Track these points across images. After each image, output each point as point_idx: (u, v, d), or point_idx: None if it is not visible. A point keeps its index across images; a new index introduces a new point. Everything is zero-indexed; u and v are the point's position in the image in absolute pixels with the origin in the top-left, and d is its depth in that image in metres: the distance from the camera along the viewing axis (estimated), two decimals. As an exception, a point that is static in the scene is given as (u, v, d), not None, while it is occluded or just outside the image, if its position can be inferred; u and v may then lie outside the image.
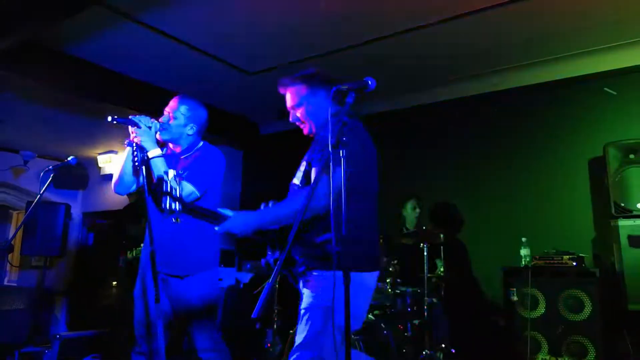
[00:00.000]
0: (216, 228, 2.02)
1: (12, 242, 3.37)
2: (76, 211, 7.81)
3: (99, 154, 7.41)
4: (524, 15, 3.70)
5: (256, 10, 3.71)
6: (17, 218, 7.88)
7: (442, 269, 4.14)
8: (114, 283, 7.08)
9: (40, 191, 3.37)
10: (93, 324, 7.22)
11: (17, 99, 5.25)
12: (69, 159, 3.52)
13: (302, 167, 2.24)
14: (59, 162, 5.64)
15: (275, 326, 4.33)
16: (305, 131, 2.35)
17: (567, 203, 4.32)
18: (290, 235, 1.68)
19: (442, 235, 4.05)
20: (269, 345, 4.19)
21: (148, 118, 2.59)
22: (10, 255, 7.75)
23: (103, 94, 4.93)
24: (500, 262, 3.97)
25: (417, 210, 4.60)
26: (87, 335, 5.99)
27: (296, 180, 2.26)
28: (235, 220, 2.05)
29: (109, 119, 2.45)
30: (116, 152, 7.38)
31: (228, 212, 2.06)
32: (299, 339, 2.01)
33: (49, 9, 3.23)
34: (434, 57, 4.43)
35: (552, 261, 3.70)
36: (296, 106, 2.31)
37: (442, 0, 3.53)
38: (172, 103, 2.84)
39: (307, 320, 2.03)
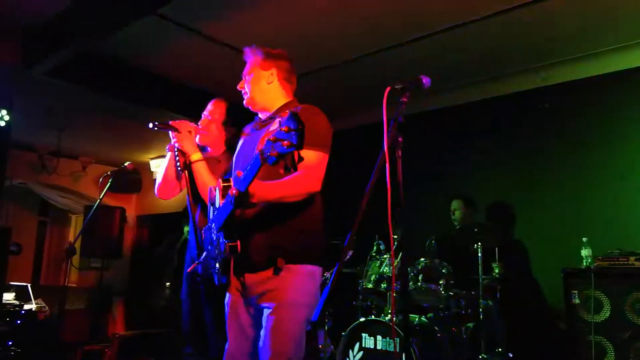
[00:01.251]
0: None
1: (75, 246, 3.47)
2: (131, 214, 8.08)
3: (151, 158, 7.65)
4: (579, 5, 3.55)
5: (308, 14, 3.73)
6: (75, 221, 8.24)
7: (497, 270, 4.01)
8: (168, 284, 7.27)
9: (100, 196, 3.49)
10: (148, 324, 7.47)
11: (75, 108, 5.48)
12: (126, 164, 3.64)
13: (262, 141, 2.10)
14: (115, 167, 5.87)
15: (326, 327, 4.32)
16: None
17: (631, 201, 4.09)
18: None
19: (496, 236, 3.93)
20: (320, 346, 4.18)
21: (188, 122, 2.61)
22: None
23: (158, 102, 5.09)
24: (559, 263, 3.80)
25: (467, 210, 4.49)
26: (143, 335, 6.20)
27: None
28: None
29: (150, 125, 2.50)
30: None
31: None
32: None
33: (103, 20, 3.34)
34: (484, 52, 4.30)
35: (617, 262, 3.50)
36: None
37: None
38: (211, 106, 2.85)
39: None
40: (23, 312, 5.76)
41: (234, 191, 1.82)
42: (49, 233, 8.20)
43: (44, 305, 6.19)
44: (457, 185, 4.78)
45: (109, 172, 3.57)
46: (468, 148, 5.05)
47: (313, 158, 1.99)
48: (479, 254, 3.80)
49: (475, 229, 3.99)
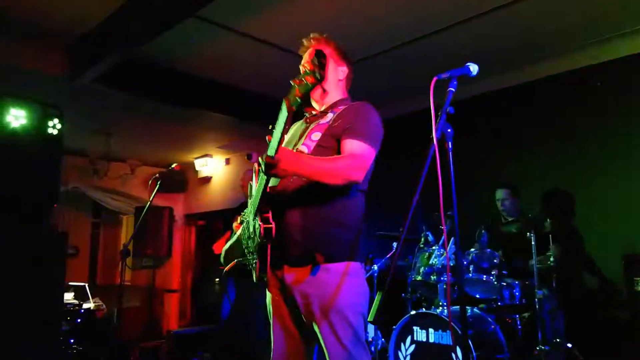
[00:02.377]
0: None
1: (128, 247, 3.58)
2: (179, 213, 8.28)
3: (196, 158, 7.81)
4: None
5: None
6: (126, 222, 8.50)
7: (552, 259, 3.86)
8: (217, 280, 7.41)
9: (149, 198, 3.58)
10: (201, 319, 7.66)
11: (121, 113, 5.64)
12: (172, 165, 3.75)
13: (315, 135, 2.07)
14: (162, 168, 5.96)
15: (376, 321, 4.28)
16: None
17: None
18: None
19: (549, 222, 3.78)
20: (370, 340, 4.16)
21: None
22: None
23: (200, 103, 5.17)
24: (620, 249, 3.63)
25: (515, 198, 4.33)
26: (196, 332, 6.35)
27: (304, 149, 2.03)
28: (286, 152, 1.82)
29: (246, 157, 2.62)
30: (211, 156, 7.72)
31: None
32: None
33: (144, 25, 3.40)
34: (533, 33, 4.12)
35: (683, 247, 3.32)
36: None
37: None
38: None
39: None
40: (82, 311, 5.98)
41: (263, 156, 1.80)
42: (102, 234, 8.50)
43: (101, 303, 6.42)
44: (504, 174, 4.62)
45: (157, 175, 3.65)
46: (513, 133, 4.88)
47: (359, 147, 1.95)
48: (532, 242, 3.66)
49: (529, 216, 3.86)
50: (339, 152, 1.99)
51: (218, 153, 7.62)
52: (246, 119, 5.56)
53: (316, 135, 2.06)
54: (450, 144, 1.70)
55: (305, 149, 2.03)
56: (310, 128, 2.14)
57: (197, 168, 7.87)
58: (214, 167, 7.81)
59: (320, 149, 2.01)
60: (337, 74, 2.23)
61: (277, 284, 2.04)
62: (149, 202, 3.61)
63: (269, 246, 1.92)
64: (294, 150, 2.02)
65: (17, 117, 3.84)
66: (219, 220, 7.52)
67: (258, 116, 5.56)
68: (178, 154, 7.61)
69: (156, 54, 4.45)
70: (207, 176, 7.89)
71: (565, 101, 4.59)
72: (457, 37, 4.09)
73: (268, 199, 1.92)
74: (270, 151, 1.78)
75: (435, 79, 1.75)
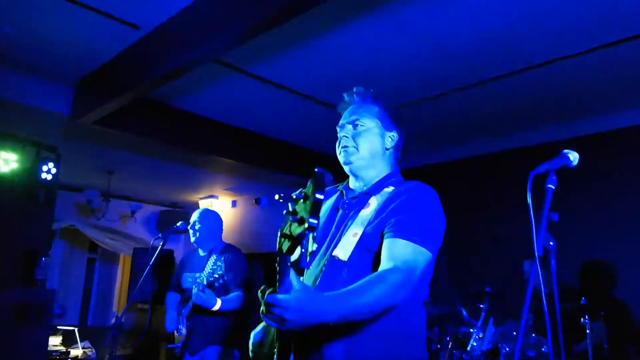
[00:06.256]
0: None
1: (122, 321, 3.17)
2: (179, 256, 7.83)
3: (201, 198, 7.41)
4: None
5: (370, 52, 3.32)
6: (124, 260, 8.04)
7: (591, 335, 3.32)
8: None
9: (150, 262, 3.17)
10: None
11: (125, 152, 5.27)
12: (178, 224, 3.37)
13: (354, 233, 1.57)
14: (164, 207, 5.52)
15: None
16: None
17: None
18: None
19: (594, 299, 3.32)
20: None
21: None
22: (117, 298, 8.00)
23: (207, 145, 4.79)
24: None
25: (544, 271, 3.83)
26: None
27: (340, 253, 1.55)
28: (300, 303, 1.24)
29: (276, 197, 2.19)
30: (217, 197, 7.33)
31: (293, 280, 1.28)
32: None
33: (162, 69, 3.05)
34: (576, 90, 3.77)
35: None
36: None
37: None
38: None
39: None
40: (69, 359, 5.54)
41: (263, 290, 1.34)
42: (98, 271, 8.05)
43: (90, 348, 5.96)
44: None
45: (159, 235, 3.26)
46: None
47: (410, 253, 1.46)
48: (587, 329, 3.14)
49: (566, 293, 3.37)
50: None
51: (225, 195, 7.22)
52: (258, 164, 5.18)
53: (355, 233, 1.56)
54: (554, 260, 1.28)
55: (342, 255, 1.54)
56: (346, 219, 1.65)
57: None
58: (220, 209, 7.39)
59: (362, 253, 1.54)
60: (383, 141, 1.74)
61: None
62: (148, 267, 3.16)
63: None
64: (325, 260, 1.54)
65: (7, 161, 3.46)
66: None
67: (271, 162, 5.20)
68: (182, 194, 7.23)
69: (165, 93, 4.10)
70: (211, 217, 7.47)
71: (603, 163, 4.16)
72: (478, 95, 3.75)
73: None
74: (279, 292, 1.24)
75: (532, 174, 1.34)
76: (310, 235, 1.13)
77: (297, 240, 1.15)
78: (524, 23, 2.84)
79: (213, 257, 3.30)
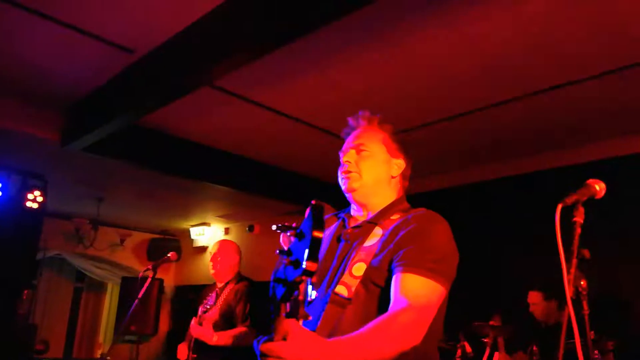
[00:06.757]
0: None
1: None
2: (169, 284, 7.62)
3: (192, 226, 7.24)
4: None
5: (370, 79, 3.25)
6: (111, 289, 7.78)
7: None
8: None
9: (138, 294, 3.02)
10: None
11: (116, 178, 5.13)
12: (169, 254, 3.26)
13: (357, 266, 1.43)
14: (155, 235, 5.37)
15: None
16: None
17: None
18: None
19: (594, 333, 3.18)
20: None
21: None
22: (103, 329, 7.70)
23: (203, 172, 4.66)
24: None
25: (549, 302, 3.68)
26: None
27: (343, 289, 1.41)
28: (300, 351, 1.09)
29: (274, 227, 2.09)
30: (209, 225, 7.17)
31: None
32: None
33: (156, 94, 2.95)
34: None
35: None
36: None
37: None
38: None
39: None
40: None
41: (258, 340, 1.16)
42: (84, 299, 7.76)
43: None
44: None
45: (149, 268, 3.13)
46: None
47: (421, 289, 1.33)
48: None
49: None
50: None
51: (217, 222, 7.05)
52: (252, 191, 5.06)
53: (359, 269, 1.43)
54: (587, 303, 1.17)
55: (345, 292, 1.40)
56: (349, 251, 1.50)
57: (192, 236, 7.28)
58: (211, 236, 7.22)
59: (368, 289, 1.41)
60: (389, 168, 1.63)
61: None
62: (136, 300, 3.00)
63: None
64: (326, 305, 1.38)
65: (-8, 189, 3.31)
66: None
67: (266, 189, 5.09)
68: (173, 220, 7.06)
69: (158, 118, 3.98)
70: (203, 246, 7.28)
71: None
72: (478, 122, 3.68)
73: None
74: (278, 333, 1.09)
75: (560, 205, 1.24)
76: (308, 282, 1.01)
77: (293, 287, 1.01)
78: (525, 50, 2.79)
79: (228, 289, 3.25)
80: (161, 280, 6.91)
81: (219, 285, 3.40)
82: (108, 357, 3.03)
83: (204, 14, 2.68)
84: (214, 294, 3.37)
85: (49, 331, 6.81)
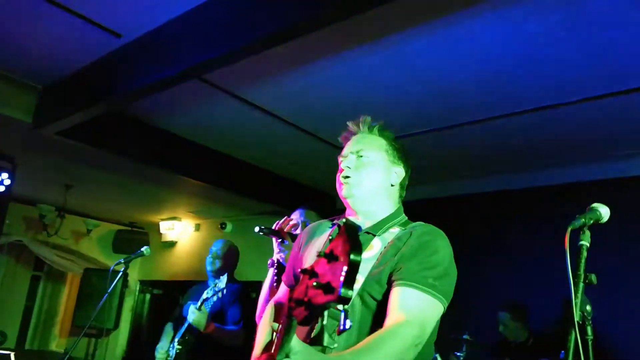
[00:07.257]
0: None
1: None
2: (133, 278, 7.41)
3: (162, 220, 7.06)
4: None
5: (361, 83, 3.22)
6: (71, 280, 7.48)
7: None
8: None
9: (108, 289, 2.91)
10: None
11: (87, 166, 4.95)
12: (143, 249, 3.17)
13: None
14: (122, 227, 5.19)
15: None
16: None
17: None
18: None
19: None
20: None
21: (288, 219, 2.22)
22: (60, 320, 7.41)
23: (179, 165, 4.54)
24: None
25: (517, 323, 3.69)
26: None
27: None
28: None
29: (256, 229, 2.09)
30: (179, 220, 7.01)
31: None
32: None
33: (142, 82, 2.84)
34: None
35: None
36: None
37: None
38: (297, 215, 2.40)
39: None
40: (2, 389, 5.01)
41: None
42: (42, 289, 7.45)
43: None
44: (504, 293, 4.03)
45: (122, 260, 3.04)
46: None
47: (418, 304, 1.32)
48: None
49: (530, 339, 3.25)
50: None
51: (187, 217, 6.90)
52: (228, 188, 4.95)
53: (356, 281, 1.42)
54: (590, 329, 1.15)
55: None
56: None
57: (161, 230, 7.10)
58: (181, 231, 7.05)
59: (364, 302, 1.39)
60: (388, 176, 1.61)
61: None
62: (105, 295, 2.88)
63: None
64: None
65: (-43, 169, 3.13)
66: (180, 293, 6.71)
67: (242, 187, 4.99)
68: (143, 213, 6.86)
69: (138, 108, 3.85)
70: (171, 240, 7.11)
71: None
72: (468, 135, 3.70)
73: None
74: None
75: (569, 229, 1.22)
76: (343, 312, 0.93)
77: (318, 312, 0.94)
78: (522, 67, 2.81)
79: (220, 283, 3.19)
80: (126, 273, 6.71)
81: (215, 283, 3.34)
82: (71, 352, 2.88)
83: (198, 4, 2.60)
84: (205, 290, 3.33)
85: (1, 321, 6.53)
